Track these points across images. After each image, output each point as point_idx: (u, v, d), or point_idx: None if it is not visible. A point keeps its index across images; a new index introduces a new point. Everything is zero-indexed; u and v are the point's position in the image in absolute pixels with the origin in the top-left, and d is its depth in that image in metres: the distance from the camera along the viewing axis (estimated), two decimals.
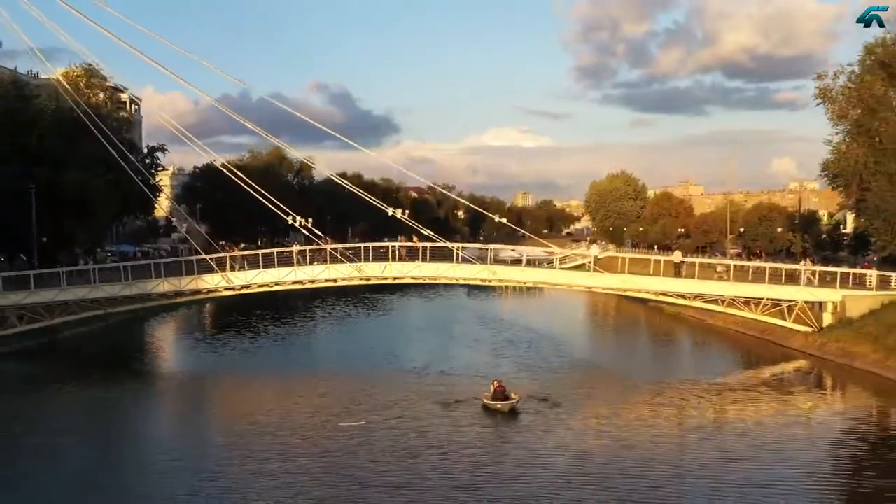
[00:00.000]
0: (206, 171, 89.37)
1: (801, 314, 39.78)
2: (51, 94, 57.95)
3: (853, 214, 65.44)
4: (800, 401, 31.14)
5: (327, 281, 40.86)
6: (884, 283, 39.77)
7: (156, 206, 72.30)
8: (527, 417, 26.77)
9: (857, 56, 48.38)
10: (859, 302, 38.45)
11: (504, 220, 48.64)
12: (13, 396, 30.84)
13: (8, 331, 39.07)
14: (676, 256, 51.23)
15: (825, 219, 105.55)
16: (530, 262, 43.97)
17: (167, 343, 50.14)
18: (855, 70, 48.28)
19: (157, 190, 69.97)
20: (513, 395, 27.43)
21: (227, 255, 42.70)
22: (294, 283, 40.49)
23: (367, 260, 39.88)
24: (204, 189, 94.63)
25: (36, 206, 47.70)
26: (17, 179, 46.83)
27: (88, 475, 21.52)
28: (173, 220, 70.88)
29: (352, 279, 40.87)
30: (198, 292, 41.40)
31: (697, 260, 51.26)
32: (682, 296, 41.55)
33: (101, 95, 68.57)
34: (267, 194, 38.58)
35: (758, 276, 41.80)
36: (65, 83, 54.84)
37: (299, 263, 40.14)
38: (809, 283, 40.85)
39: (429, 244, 40.10)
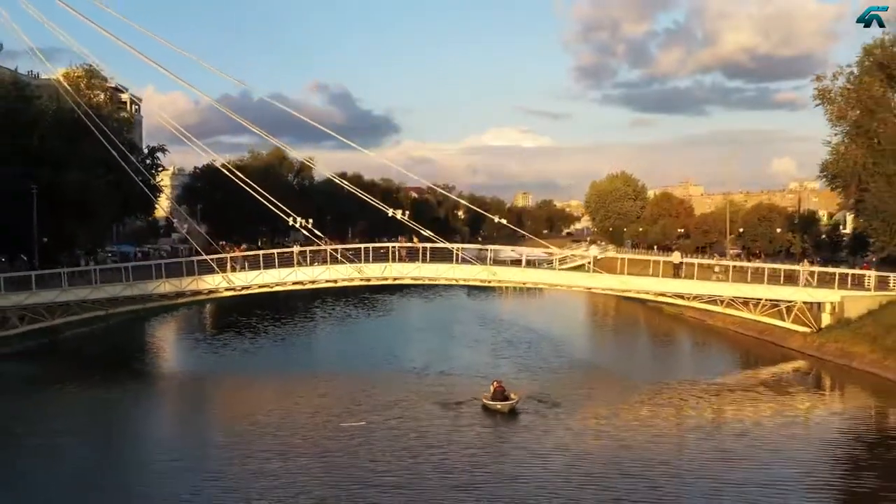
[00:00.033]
0: (207, 172, 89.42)
1: (800, 315, 39.91)
2: (51, 95, 58.01)
3: (852, 215, 65.57)
4: (798, 401, 31.29)
5: (327, 281, 40.96)
6: (882, 284, 39.87)
7: (156, 206, 72.42)
8: (526, 418, 26.89)
9: (856, 57, 48.62)
10: (858, 302, 38.58)
11: (504, 221, 48.83)
12: (14, 397, 30.89)
13: (9, 331, 39.12)
14: (675, 257, 51.37)
15: (825, 219, 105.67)
16: (530, 263, 44.07)
17: (168, 343, 50.23)
18: (853, 71, 48.47)
19: (157, 190, 70.02)
20: (512, 396, 27.55)
21: (228, 255, 42.84)
22: (294, 283, 40.59)
23: (367, 261, 39.98)
24: (204, 189, 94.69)
25: (37, 207, 47.76)
26: (18, 180, 46.88)
27: (89, 475, 21.60)
28: (174, 220, 70.94)
29: (352, 280, 41.00)
30: (199, 293, 41.49)
31: (696, 261, 51.35)
32: (680, 296, 41.65)
33: (102, 96, 68.61)
34: (267, 195, 38.74)
35: (756, 277, 41.92)
36: (65, 84, 54.93)
37: (300, 264, 40.25)
38: (808, 283, 40.95)
39: (429, 245, 40.23)
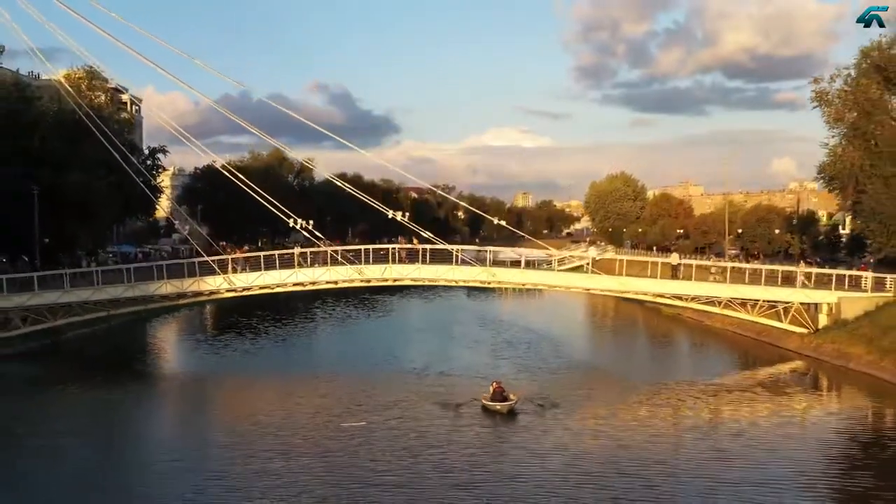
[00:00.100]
0: (207, 172, 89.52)
1: (797, 316, 40.16)
2: (52, 96, 58.16)
3: (850, 216, 65.81)
4: (795, 401, 31.49)
5: (328, 283, 41.16)
6: (879, 285, 40.09)
7: (157, 207, 72.63)
8: (525, 418, 27.10)
9: (853, 59, 48.87)
10: (854, 303, 38.80)
11: (503, 223, 49.03)
12: (16, 397, 31.08)
13: (12, 332, 39.31)
14: (674, 258, 51.65)
15: (824, 219, 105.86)
16: (529, 264, 44.31)
17: (169, 344, 50.42)
18: (851, 73, 48.70)
19: (158, 191, 70.24)
20: (512, 396, 27.76)
21: (229, 257, 43.05)
22: (295, 284, 40.81)
23: (367, 262, 40.20)
24: (204, 190, 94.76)
25: (38, 208, 47.94)
26: (19, 181, 47.05)
27: (91, 476, 21.74)
28: (175, 221, 71.13)
29: (352, 281, 41.24)
30: (200, 294, 41.68)
31: (694, 262, 51.60)
32: (679, 297, 41.91)
33: (103, 97, 68.81)
34: (267, 196, 38.98)
35: (754, 278, 42.18)
36: (67, 85, 55.13)
37: (300, 265, 40.48)
38: (805, 285, 41.17)
39: (428, 246, 40.46)
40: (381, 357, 41.13)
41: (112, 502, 20.17)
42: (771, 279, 41.84)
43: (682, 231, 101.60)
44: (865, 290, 40.22)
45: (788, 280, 42.14)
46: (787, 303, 40.22)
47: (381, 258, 40.54)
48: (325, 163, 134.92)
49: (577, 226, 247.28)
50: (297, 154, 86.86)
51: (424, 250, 40.49)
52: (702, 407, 30.03)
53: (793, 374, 37.09)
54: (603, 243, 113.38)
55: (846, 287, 40.58)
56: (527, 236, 56.41)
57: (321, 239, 40.13)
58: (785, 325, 40.53)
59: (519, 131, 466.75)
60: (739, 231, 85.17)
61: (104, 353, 43.09)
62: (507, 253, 48.91)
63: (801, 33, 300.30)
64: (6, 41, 61.13)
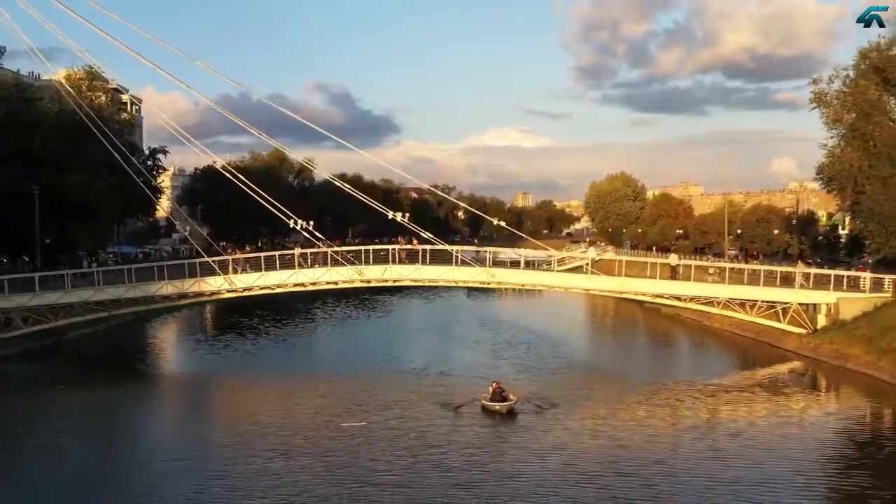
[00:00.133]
0: (207, 173, 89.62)
1: (796, 316, 40.27)
2: (53, 96, 58.30)
3: (849, 216, 65.95)
4: (793, 401, 31.59)
5: (328, 283, 41.28)
6: (877, 286, 40.20)
7: (157, 207, 72.75)
8: (525, 418, 27.23)
9: (852, 60, 48.98)
10: (853, 304, 38.93)
11: (503, 223, 49.18)
12: (18, 397, 31.25)
13: (13, 332, 39.43)
14: (673, 259, 51.76)
15: (824, 219, 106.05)
16: (529, 264, 44.43)
17: (169, 344, 50.57)
18: (850, 74, 48.79)
19: (158, 191, 70.38)
20: (511, 397, 27.88)
21: (230, 257, 43.17)
22: (296, 285, 40.93)
23: (367, 262, 40.30)
24: (205, 190, 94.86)
25: (39, 208, 48.07)
26: (20, 181, 47.21)
27: (91, 475, 21.89)
28: (175, 222, 71.27)
29: (353, 282, 41.37)
30: (201, 294, 41.81)
31: (693, 262, 51.72)
32: (678, 298, 42.05)
33: (104, 98, 68.94)
34: (268, 196, 39.09)
35: (753, 279, 42.30)
36: (67, 86, 55.26)
37: (301, 266, 40.61)
38: (803, 286, 41.28)
39: (428, 247, 40.59)
40: (381, 357, 41.28)
41: (112, 502, 20.27)
42: (769, 280, 41.98)
43: (681, 231, 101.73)
44: (864, 291, 40.33)
45: (787, 281, 42.25)
46: (785, 303, 40.34)
47: (381, 259, 40.64)
48: (326, 163, 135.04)
49: (577, 226, 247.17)
50: (296, 154, 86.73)
51: (424, 251, 40.62)
52: (700, 407, 30.15)
53: (791, 375, 37.20)
54: (602, 243, 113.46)
55: (845, 287, 40.69)
56: (526, 237, 56.56)
57: (321, 239, 40.24)
58: (783, 326, 40.65)
59: (519, 131, 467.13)
60: (739, 231, 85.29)
61: (105, 353, 43.27)
62: (507, 253, 49.05)
63: (802, 33, 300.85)
64: (6, 41, 61.46)
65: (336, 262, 40.19)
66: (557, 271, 43.59)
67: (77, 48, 43.31)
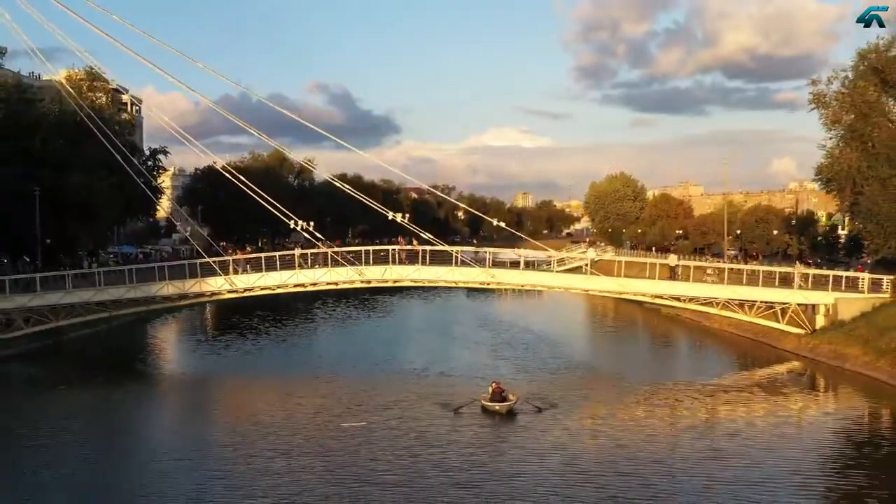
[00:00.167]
0: (208, 173, 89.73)
1: (795, 316, 40.39)
2: (53, 97, 58.39)
3: (848, 217, 66.03)
4: (791, 401, 31.70)
5: (328, 284, 41.41)
6: (875, 286, 40.31)
7: (157, 208, 72.84)
8: (524, 418, 27.32)
9: (850, 61, 49.06)
10: (851, 304, 39.05)
11: (502, 224, 49.37)
12: (19, 398, 31.40)
13: (14, 333, 39.57)
14: (672, 260, 51.85)
15: (823, 220, 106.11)
16: (528, 265, 44.53)
17: (170, 345, 50.66)
18: (848, 75, 48.86)
19: (159, 192, 70.49)
20: (511, 397, 27.99)
21: (231, 258, 43.28)
22: (296, 285, 41.06)
23: (367, 263, 40.42)
24: (205, 191, 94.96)
25: (39, 209, 48.16)
26: (20, 182, 47.30)
27: (92, 476, 21.97)
28: (176, 222, 71.38)
29: (353, 282, 41.47)
30: (201, 295, 41.91)
31: (693, 263, 51.82)
32: (677, 298, 42.15)
33: (104, 98, 69.04)
34: (268, 197, 39.21)
35: (752, 279, 42.41)
36: (67, 86, 55.36)
37: (301, 266, 40.71)
38: (802, 286, 41.38)
39: (428, 248, 40.70)
40: (381, 357, 41.40)
41: (112, 502, 20.36)
42: (768, 280, 42.10)
43: (681, 231, 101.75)
44: (862, 292, 40.45)
45: (786, 281, 42.39)
46: (784, 304, 40.45)
47: (381, 259, 40.77)
48: (326, 163, 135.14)
49: (577, 226, 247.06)
50: (296, 154, 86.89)
51: (424, 251, 40.73)
52: (699, 407, 30.26)
53: (789, 375, 37.30)
54: (602, 244, 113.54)
55: (843, 288, 40.82)
56: (526, 237, 56.67)
57: (321, 240, 40.37)
58: (782, 326, 40.75)
59: (519, 131, 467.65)
60: (738, 232, 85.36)
61: (105, 353, 43.37)
62: (507, 254, 49.13)
63: (802, 33, 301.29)
64: (6, 42, 61.54)
65: (336, 263, 40.31)
66: (557, 272, 43.70)
67: (77, 48, 43.56)
